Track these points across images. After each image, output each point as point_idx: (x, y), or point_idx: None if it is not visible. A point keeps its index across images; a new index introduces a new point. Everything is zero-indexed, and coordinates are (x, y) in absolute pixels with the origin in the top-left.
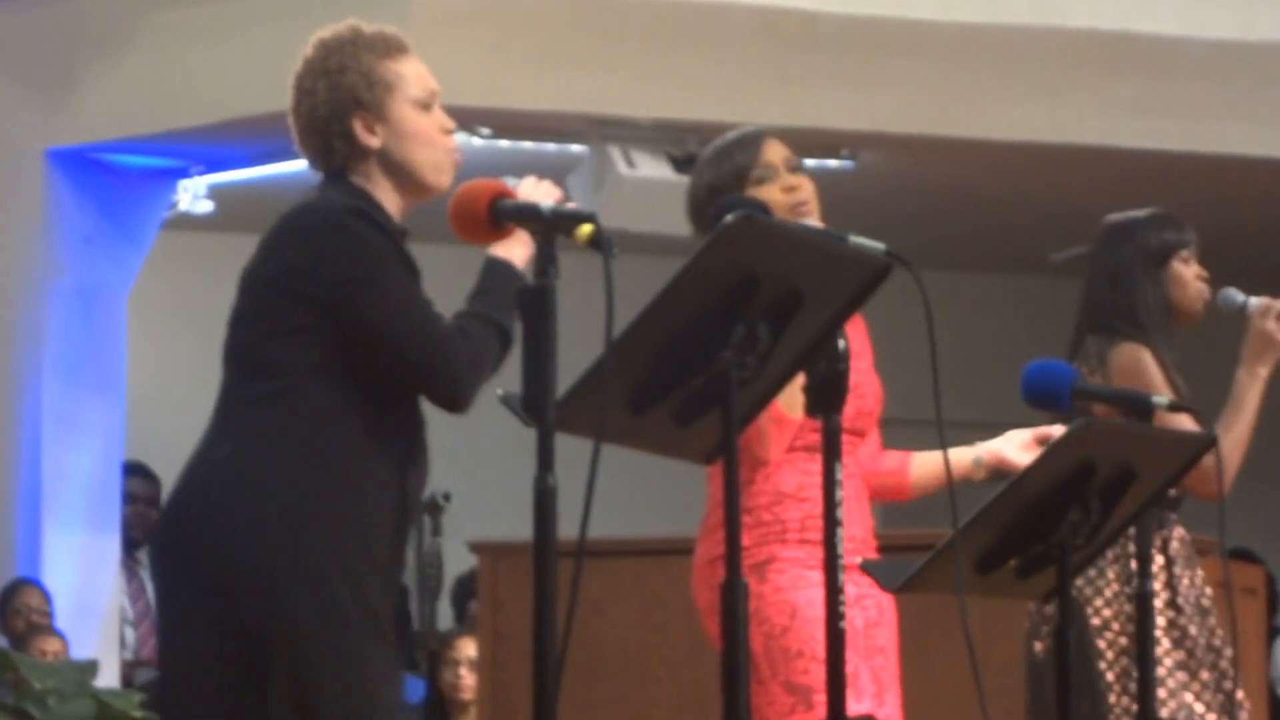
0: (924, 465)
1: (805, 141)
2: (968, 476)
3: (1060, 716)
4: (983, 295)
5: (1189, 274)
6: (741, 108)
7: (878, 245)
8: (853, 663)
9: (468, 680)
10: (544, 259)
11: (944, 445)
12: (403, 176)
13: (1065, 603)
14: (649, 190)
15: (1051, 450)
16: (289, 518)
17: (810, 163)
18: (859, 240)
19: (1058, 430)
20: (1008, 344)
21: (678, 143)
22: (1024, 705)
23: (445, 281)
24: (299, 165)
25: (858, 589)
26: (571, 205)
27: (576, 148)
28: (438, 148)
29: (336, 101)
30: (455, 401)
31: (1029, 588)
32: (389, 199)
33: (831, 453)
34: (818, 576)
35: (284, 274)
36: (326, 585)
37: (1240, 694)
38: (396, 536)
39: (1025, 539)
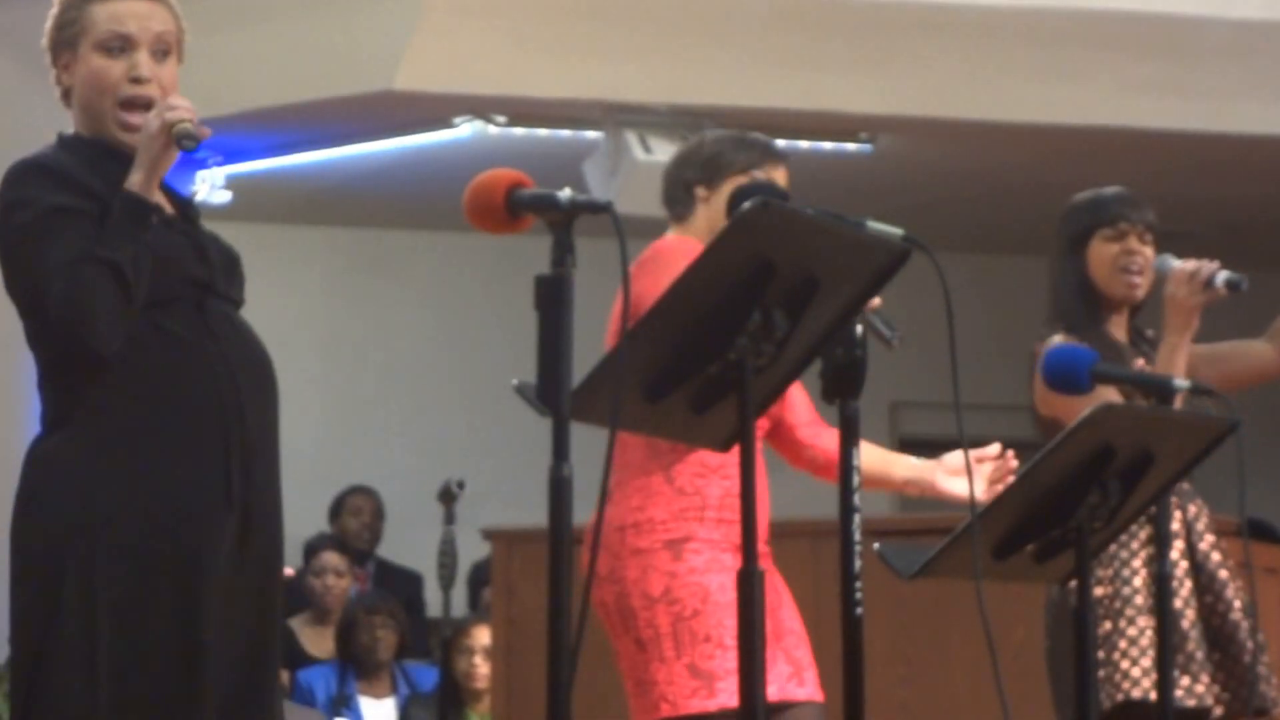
0: (867, 459)
1: (823, 125)
2: (899, 490)
3: (1078, 698)
4: (1002, 278)
5: (1108, 253)
6: (757, 92)
7: (895, 231)
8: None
9: (482, 668)
10: (561, 248)
11: (960, 428)
12: (87, 121)
13: (1084, 586)
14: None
15: (1070, 434)
16: (88, 483)
17: (828, 146)
18: (876, 226)
19: (993, 451)
20: (1027, 327)
21: (693, 128)
22: (1046, 687)
23: (452, 271)
24: (316, 155)
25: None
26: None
27: (592, 134)
28: (109, 93)
29: (49, 41)
30: (86, 351)
31: (1047, 571)
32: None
33: (850, 439)
34: (731, 560)
35: None
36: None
37: (1262, 668)
38: (227, 442)
39: (1043, 523)
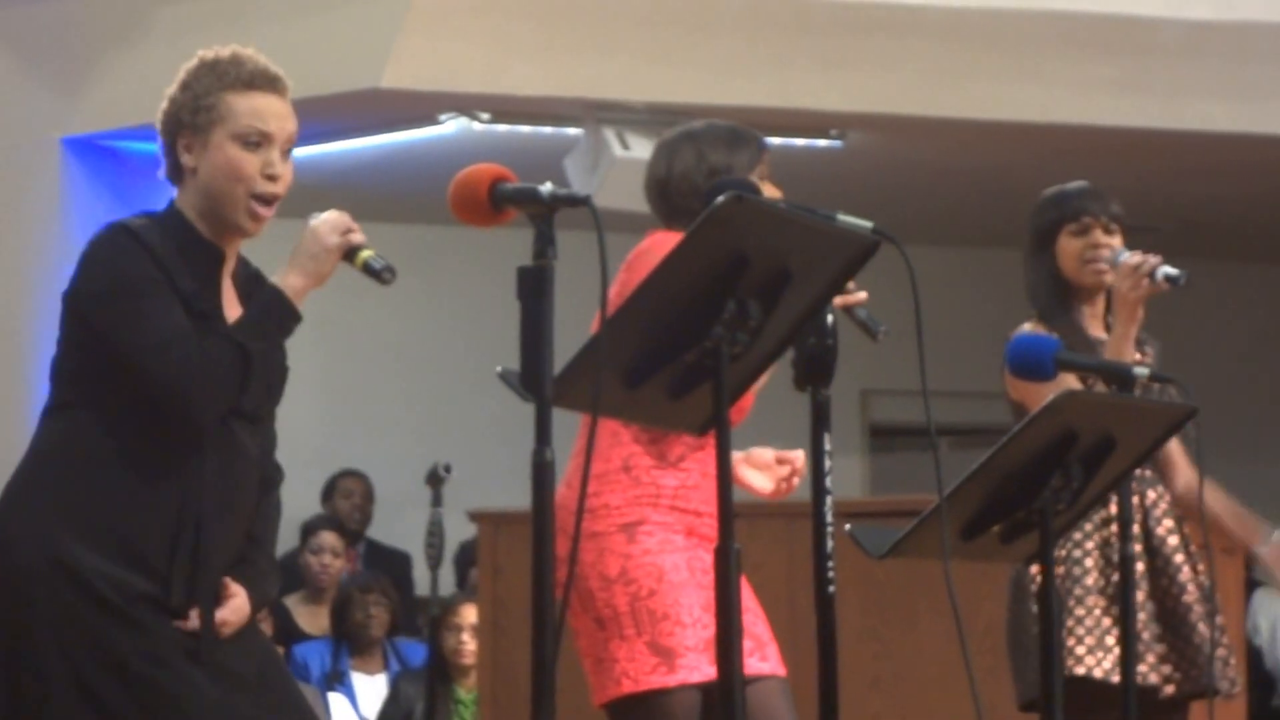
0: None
1: (795, 122)
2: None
3: (1043, 675)
4: (968, 269)
5: (1074, 247)
6: (733, 90)
7: (864, 224)
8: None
9: (469, 645)
10: (542, 240)
11: (928, 415)
12: (206, 206)
13: (1047, 566)
14: (643, 171)
15: (1033, 420)
16: (47, 528)
17: (800, 142)
18: (846, 219)
19: (798, 456)
20: (991, 316)
21: (671, 125)
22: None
23: (437, 264)
24: (306, 151)
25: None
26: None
27: (573, 131)
28: (244, 184)
29: (171, 117)
30: (186, 420)
31: (1012, 552)
32: (200, 226)
33: (820, 426)
34: (683, 541)
35: (68, 290)
36: (71, 604)
37: (1222, 650)
38: (175, 546)
39: (1008, 505)
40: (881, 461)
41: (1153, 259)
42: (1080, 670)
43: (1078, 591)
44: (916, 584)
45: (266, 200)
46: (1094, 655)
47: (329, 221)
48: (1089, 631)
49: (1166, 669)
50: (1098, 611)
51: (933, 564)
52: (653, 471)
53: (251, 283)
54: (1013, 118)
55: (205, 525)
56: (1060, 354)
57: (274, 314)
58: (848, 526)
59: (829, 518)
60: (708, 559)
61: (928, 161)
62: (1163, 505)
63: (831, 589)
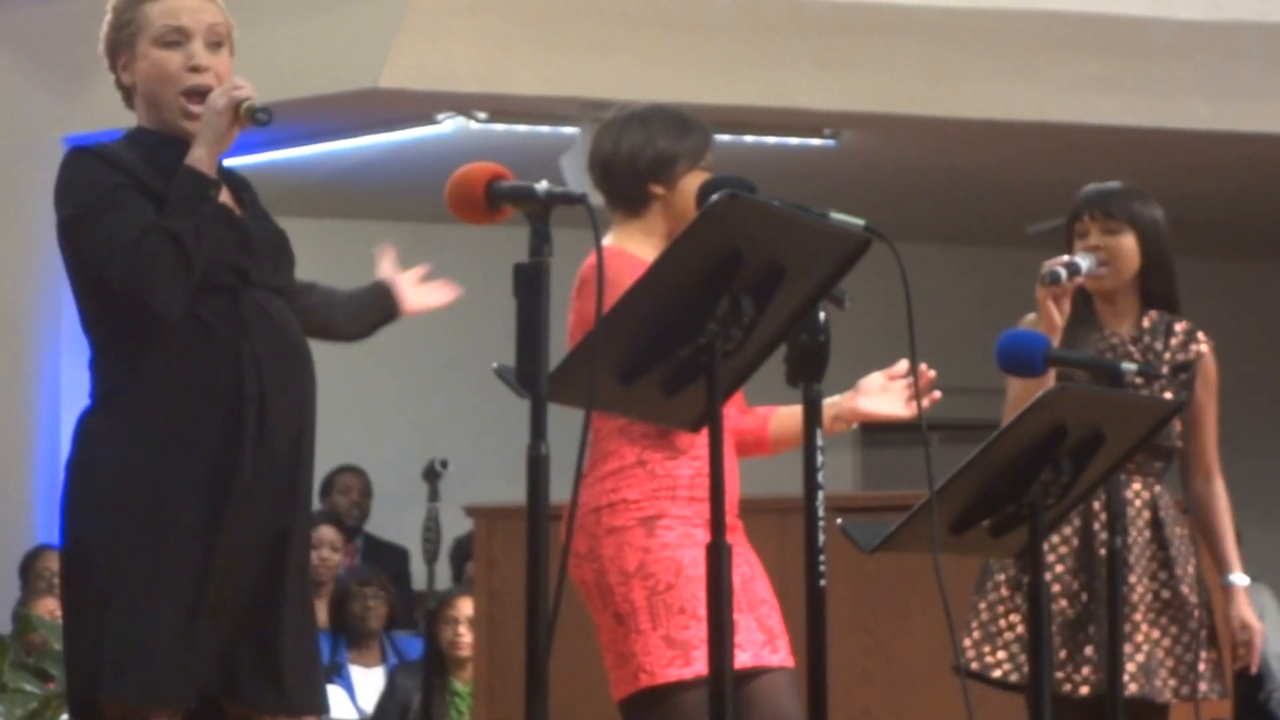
0: (784, 420)
1: (789, 121)
2: (830, 431)
3: (1031, 666)
4: (960, 267)
5: (1079, 249)
6: (727, 90)
7: (857, 221)
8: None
9: (465, 638)
10: (538, 238)
11: (920, 409)
12: (154, 113)
13: (1036, 560)
14: None
15: (1024, 415)
16: (112, 465)
17: (794, 142)
18: (839, 216)
19: (903, 367)
20: (983, 313)
21: None
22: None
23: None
24: (305, 151)
25: (734, 547)
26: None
27: (569, 130)
28: (172, 82)
29: (106, 43)
30: (151, 316)
31: (1001, 546)
32: (160, 133)
33: (812, 421)
34: (703, 535)
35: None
36: (148, 520)
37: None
38: (241, 429)
39: (998, 499)
40: (873, 456)
41: (1051, 260)
42: (966, 662)
43: (988, 585)
44: (907, 578)
45: (198, 93)
46: (977, 647)
47: (219, 88)
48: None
49: (1084, 671)
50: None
51: (923, 558)
52: (667, 463)
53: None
54: (1004, 116)
55: (268, 402)
56: (1049, 350)
57: (188, 188)
58: (839, 520)
59: (821, 512)
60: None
61: (920, 160)
62: (1169, 502)
63: (823, 583)
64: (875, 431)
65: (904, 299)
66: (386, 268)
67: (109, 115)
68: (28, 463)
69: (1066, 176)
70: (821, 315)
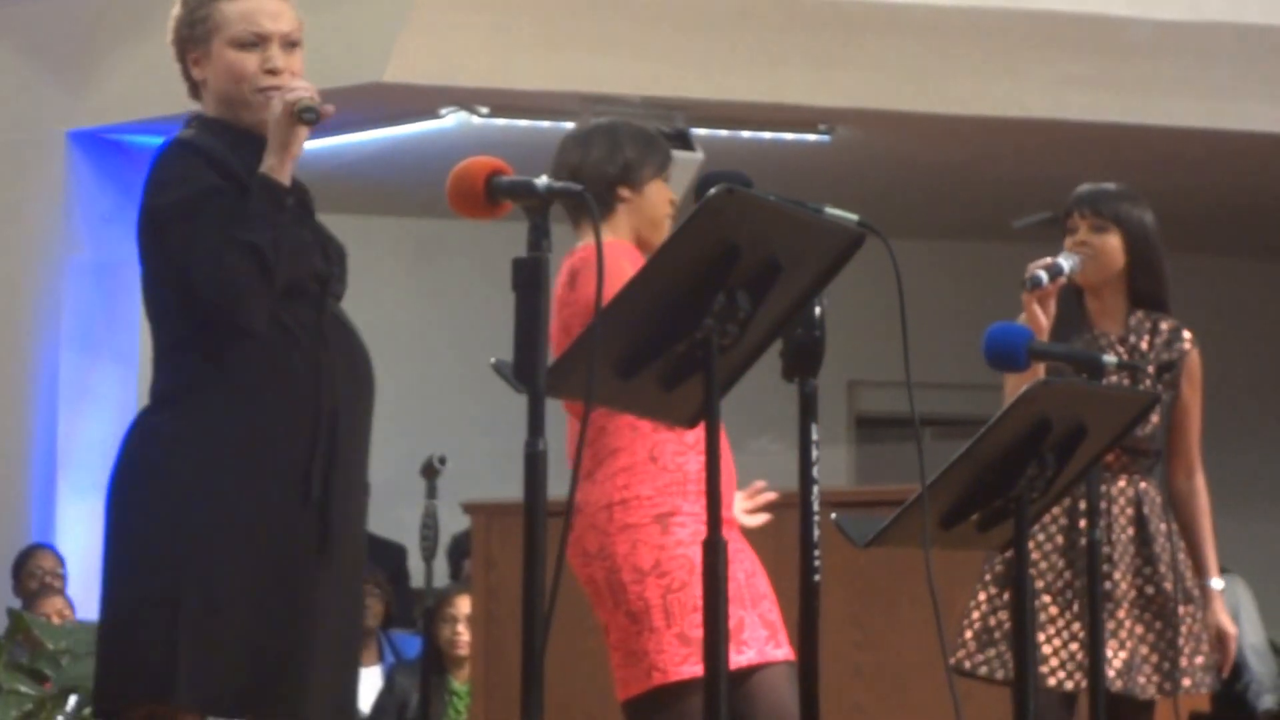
0: None
1: (785, 117)
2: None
3: (1016, 660)
4: (953, 261)
5: (1067, 245)
6: (725, 85)
7: (851, 216)
8: (737, 615)
9: (463, 636)
10: (537, 233)
11: (912, 405)
12: (228, 111)
13: (1021, 554)
14: None
15: (1010, 410)
16: (182, 468)
17: (789, 137)
18: (834, 212)
19: (759, 486)
20: (975, 308)
21: (666, 119)
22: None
23: (436, 256)
24: (308, 145)
25: (734, 543)
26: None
27: (571, 125)
28: (248, 83)
29: (176, 36)
30: (236, 329)
31: (988, 540)
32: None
33: (807, 416)
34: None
35: (142, 215)
36: (223, 524)
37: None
38: (314, 442)
39: (986, 494)
40: (867, 451)
41: (1033, 264)
42: (951, 660)
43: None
44: (899, 572)
45: (269, 92)
46: (965, 649)
47: (276, 94)
48: (969, 625)
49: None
50: (984, 605)
51: (914, 553)
52: (677, 458)
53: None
54: (991, 113)
55: (340, 418)
56: (1033, 344)
57: (265, 199)
58: (833, 516)
59: (815, 507)
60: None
61: (911, 156)
62: (1155, 497)
63: (816, 578)
64: (870, 426)
65: (896, 294)
66: None
67: (113, 109)
68: (23, 460)
69: (1050, 171)
70: (817, 310)
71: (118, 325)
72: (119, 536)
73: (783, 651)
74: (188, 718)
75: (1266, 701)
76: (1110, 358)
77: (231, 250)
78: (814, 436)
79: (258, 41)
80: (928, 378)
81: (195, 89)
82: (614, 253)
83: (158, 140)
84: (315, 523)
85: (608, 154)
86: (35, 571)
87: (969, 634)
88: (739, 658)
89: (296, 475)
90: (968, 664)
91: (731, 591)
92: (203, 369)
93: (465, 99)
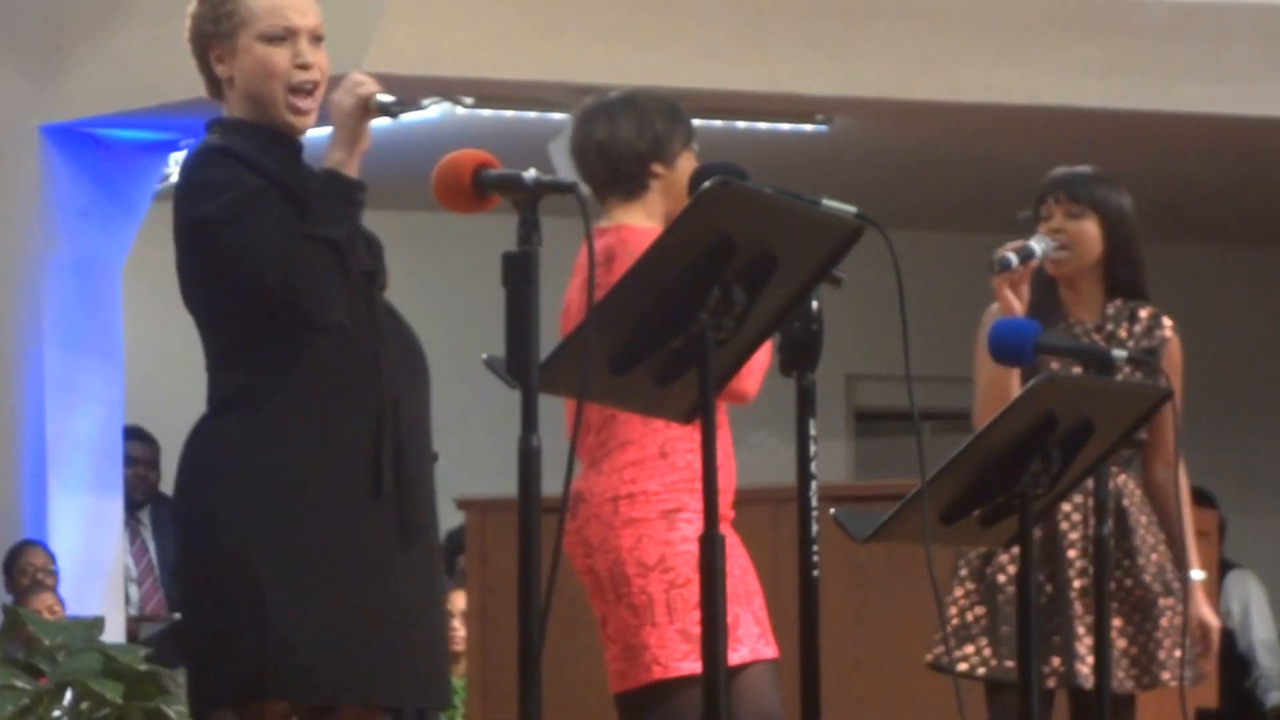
0: None
1: (780, 107)
2: None
3: (1020, 654)
4: (952, 254)
5: (1041, 229)
6: (719, 75)
7: (849, 208)
8: (733, 611)
9: (459, 632)
10: (527, 227)
11: (912, 400)
12: (255, 108)
13: (1026, 551)
14: None
15: (1015, 405)
16: (252, 471)
17: (786, 127)
18: (831, 203)
19: None
20: (975, 302)
21: None
22: None
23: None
24: None
25: (728, 540)
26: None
27: (557, 116)
28: (279, 80)
29: (196, 33)
30: (309, 326)
31: (991, 536)
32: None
33: (805, 410)
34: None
35: (177, 228)
36: (299, 522)
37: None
38: (379, 435)
39: (989, 489)
40: (866, 446)
41: (1001, 249)
42: (928, 658)
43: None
44: (898, 568)
45: (305, 90)
46: (942, 645)
47: (341, 88)
48: (946, 621)
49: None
50: (962, 600)
51: (914, 548)
52: (687, 455)
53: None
54: (997, 100)
55: (400, 408)
56: (1040, 339)
57: (337, 194)
58: (832, 510)
59: (814, 502)
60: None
61: (913, 146)
62: (1135, 490)
63: (816, 573)
64: (869, 421)
65: (896, 287)
66: None
67: (86, 103)
68: (12, 457)
69: (1059, 161)
70: (814, 304)
71: (100, 321)
72: (195, 541)
73: (771, 650)
74: (276, 709)
75: (1275, 698)
76: (1120, 352)
77: (305, 245)
78: (812, 431)
79: (286, 36)
80: (928, 371)
81: (216, 86)
82: (647, 241)
83: (133, 133)
84: (391, 514)
85: (636, 129)
86: (26, 569)
87: (947, 630)
88: (733, 655)
89: (366, 468)
90: (946, 660)
91: (729, 589)
92: (263, 370)
93: (449, 89)
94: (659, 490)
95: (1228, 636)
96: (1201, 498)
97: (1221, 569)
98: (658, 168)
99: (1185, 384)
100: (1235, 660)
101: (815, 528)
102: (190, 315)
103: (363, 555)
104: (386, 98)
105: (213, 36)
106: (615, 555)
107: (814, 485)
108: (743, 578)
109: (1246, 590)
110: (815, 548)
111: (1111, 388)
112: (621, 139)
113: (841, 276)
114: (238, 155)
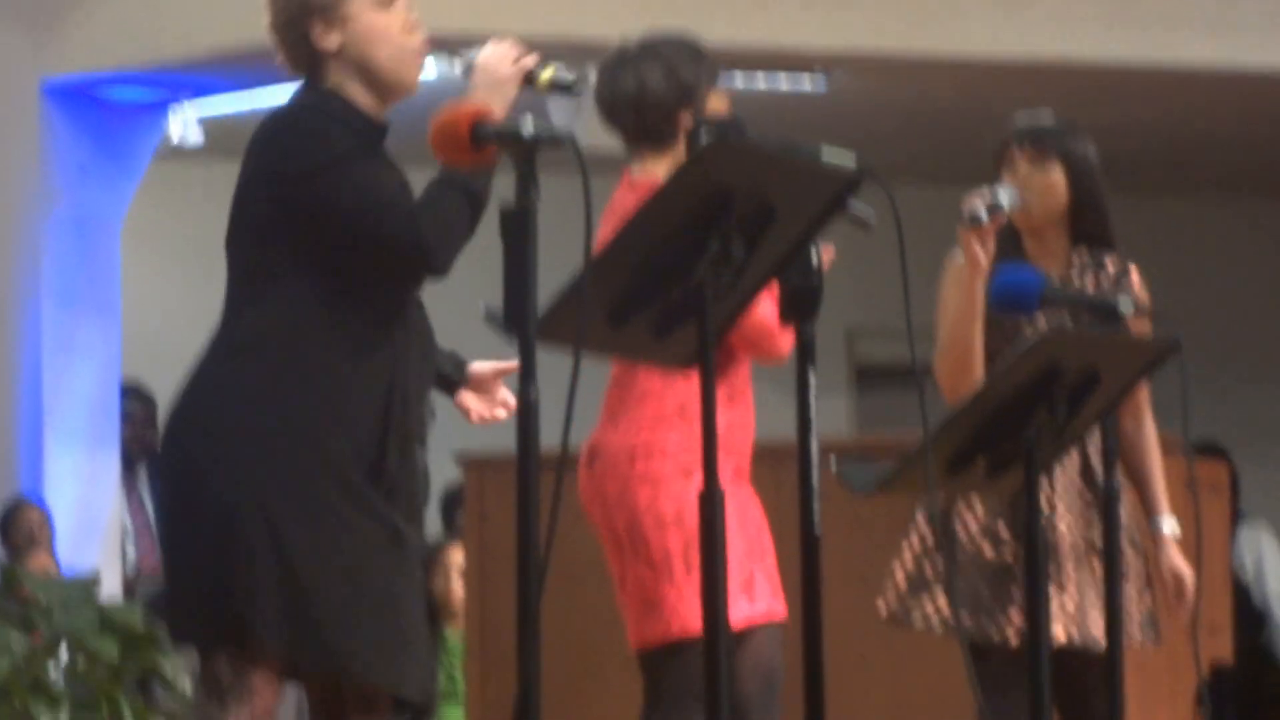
0: None
1: (780, 60)
2: None
3: (1028, 611)
4: (951, 208)
5: (1004, 178)
6: (718, 29)
7: (848, 155)
8: (748, 568)
9: (458, 588)
10: (524, 181)
11: (913, 354)
12: (367, 76)
13: (1033, 502)
14: None
15: (1020, 356)
16: (264, 422)
17: (784, 82)
18: (832, 151)
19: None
20: None
21: None
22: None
23: None
24: (286, 92)
25: (744, 495)
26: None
27: None
28: (396, 44)
29: (294, 7)
30: (430, 268)
31: (996, 487)
32: (361, 99)
33: (805, 363)
34: (735, 489)
35: (254, 180)
36: (307, 482)
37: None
38: (387, 420)
39: (994, 440)
40: (867, 400)
41: (968, 200)
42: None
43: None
44: (901, 526)
45: (421, 52)
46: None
47: (498, 53)
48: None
49: (975, 618)
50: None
51: (917, 503)
52: None
53: None
54: (996, 54)
55: (409, 400)
56: (1047, 290)
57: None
58: (833, 458)
59: (815, 457)
60: (742, 497)
61: (912, 99)
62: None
63: (817, 530)
64: (869, 375)
65: (896, 241)
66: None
67: (86, 60)
68: (9, 414)
69: (1058, 112)
70: (814, 256)
71: (98, 278)
72: (191, 480)
73: (782, 610)
74: (265, 671)
75: None
76: (1127, 303)
77: (451, 193)
78: (812, 384)
79: (390, 1)
80: (929, 325)
81: (309, 61)
82: None
83: (132, 90)
84: (386, 503)
85: (665, 79)
86: (22, 526)
87: (900, 576)
88: (754, 606)
89: (368, 455)
90: (899, 610)
91: (744, 545)
92: (290, 326)
93: (450, 47)
94: (676, 450)
95: (1242, 591)
96: (1213, 450)
97: (1234, 521)
98: (686, 116)
99: (1197, 336)
100: (1250, 614)
101: (817, 479)
102: (230, 264)
103: (357, 540)
104: (558, 75)
105: (314, 12)
106: (632, 511)
107: (815, 439)
108: (758, 535)
109: (1260, 543)
110: (817, 505)
111: (1116, 339)
112: (651, 91)
113: (869, 221)
114: (325, 113)
